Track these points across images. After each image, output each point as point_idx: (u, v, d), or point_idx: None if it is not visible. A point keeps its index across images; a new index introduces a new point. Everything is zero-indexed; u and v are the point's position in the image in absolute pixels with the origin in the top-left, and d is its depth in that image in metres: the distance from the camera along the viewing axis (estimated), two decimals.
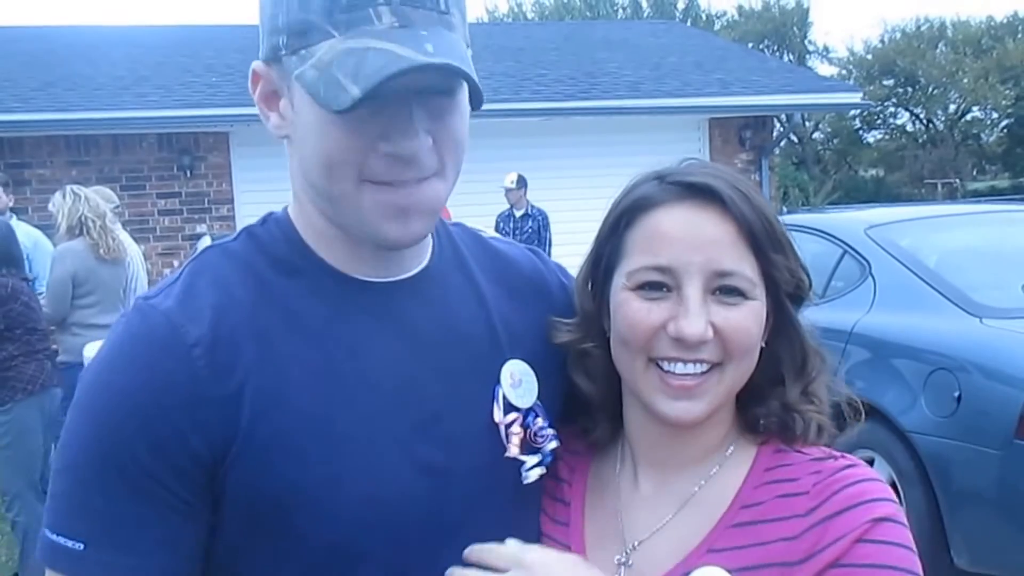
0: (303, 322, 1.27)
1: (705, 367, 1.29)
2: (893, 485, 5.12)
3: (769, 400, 1.37)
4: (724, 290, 1.28)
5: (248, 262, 1.31)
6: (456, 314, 1.38)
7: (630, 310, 1.31)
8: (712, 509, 1.33)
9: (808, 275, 1.39)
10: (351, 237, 1.30)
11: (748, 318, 1.29)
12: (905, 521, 1.26)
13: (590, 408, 1.45)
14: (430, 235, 1.40)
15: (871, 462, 5.25)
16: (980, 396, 4.73)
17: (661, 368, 1.30)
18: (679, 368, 1.29)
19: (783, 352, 1.37)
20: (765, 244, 1.30)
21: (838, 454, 1.34)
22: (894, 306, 5.62)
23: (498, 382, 1.37)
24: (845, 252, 6.19)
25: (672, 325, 1.27)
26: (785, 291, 1.34)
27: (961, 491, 4.79)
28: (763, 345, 1.35)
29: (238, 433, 1.20)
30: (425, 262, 1.39)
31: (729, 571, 1.26)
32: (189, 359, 1.19)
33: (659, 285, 1.29)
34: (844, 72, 42.05)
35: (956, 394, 4.79)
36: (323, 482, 1.22)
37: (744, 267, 1.29)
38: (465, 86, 1.23)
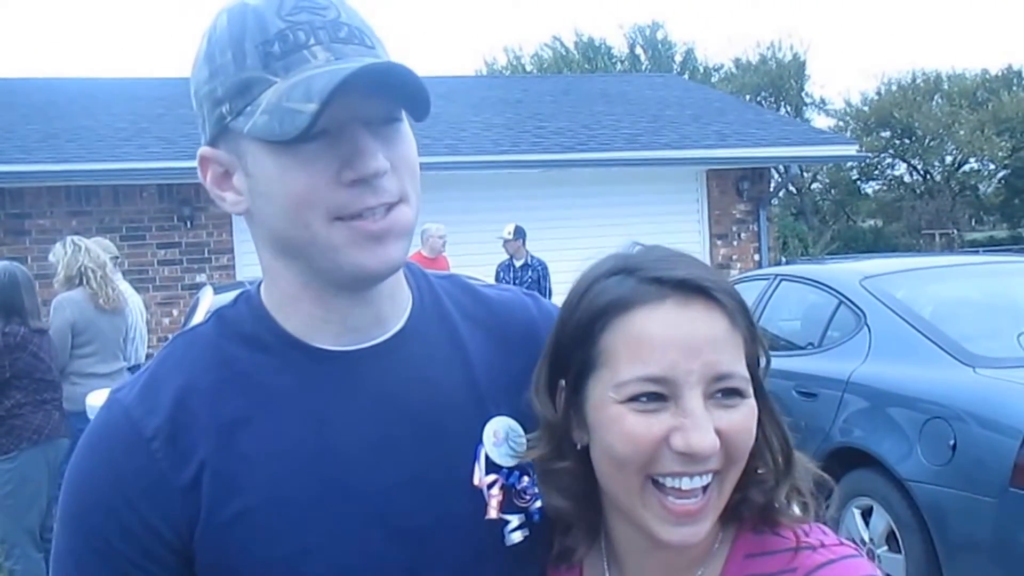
0: (269, 397, 1.27)
1: (709, 478, 1.19)
2: (892, 534, 5.15)
3: (751, 486, 1.27)
4: (724, 392, 1.19)
5: (216, 344, 1.32)
6: (435, 374, 1.35)
7: (627, 425, 1.18)
8: None
9: (766, 350, 1.29)
10: (327, 293, 1.29)
11: (749, 419, 1.20)
12: None
13: (565, 525, 1.35)
14: (409, 293, 1.40)
15: (870, 510, 5.28)
16: (975, 445, 4.74)
17: (660, 486, 1.19)
18: (685, 484, 1.18)
19: (765, 441, 1.27)
20: (748, 324, 1.24)
21: (816, 542, 1.24)
22: (889, 356, 5.65)
23: (480, 441, 1.34)
24: (841, 303, 6.23)
25: (679, 439, 1.16)
26: (759, 371, 1.27)
27: (958, 539, 4.79)
28: None
29: (199, 517, 1.22)
30: (402, 323, 1.36)
31: None
32: (148, 452, 1.23)
33: (655, 396, 1.18)
34: (841, 124, 42.27)
35: (951, 443, 4.80)
36: (291, 557, 1.23)
37: (739, 365, 1.20)
38: (404, 115, 1.26)
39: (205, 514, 1.22)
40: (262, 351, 1.30)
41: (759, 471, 1.26)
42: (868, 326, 5.87)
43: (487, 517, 1.32)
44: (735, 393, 1.19)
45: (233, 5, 1.23)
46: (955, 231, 36.34)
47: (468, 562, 1.30)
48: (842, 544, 1.25)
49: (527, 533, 1.35)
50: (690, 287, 1.19)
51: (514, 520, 1.34)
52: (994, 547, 4.61)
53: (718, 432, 1.16)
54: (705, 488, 1.19)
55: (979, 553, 4.71)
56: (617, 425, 1.19)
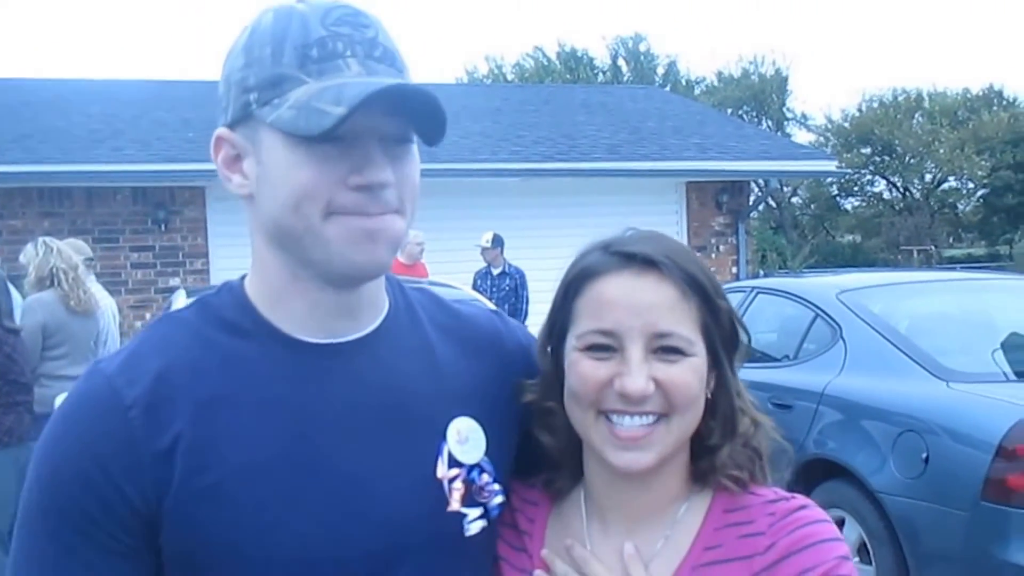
0: (248, 380, 1.33)
1: (652, 419, 1.39)
2: (863, 545, 5.16)
3: (716, 450, 1.46)
4: (664, 349, 1.39)
5: (198, 328, 1.38)
6: (405, 372, 1.43)
7: (580, 368, 1.41)
8: (678, 551, 1.44)
9: (744, 326, 1.50)
10: (313, 286, 1.35)
11: (687, 373, 1.40)
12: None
13: (552, 462, 1.53)
14: (386, 296, 1.47)
15: (841, 522, 5.26)
16: (947, 458, 4.77)
17: (610, 420, 1.40)
18: (627, 421, 1.39)
19: (721, 406, 1.47)
20: (703, 297, 1.42)
21: (788, 495, 1.45)
22: (864, 369, 5.68)
23: (444, 438, 1.42)
24: (817, 316, 6.25)
25: (617, 381, 1.38)
26: (723, 343, 1.45)
27: (929, 551, 4.81)
28: (709, 396, 1.46)
29: (171, 488, 1.27)
30: (377, 324, 1.44)
31: None
32: (125, 418, 1.28)
33: (605, 347, 1.40)
34: (822, 139, 42.57)
35: (924, 456, 4.83)
36: (257, 531, 1.28)
37: (681, 327, 1.40)
38: (415, 139, 1.36)
39: (177, 484, 1.26)
40: (242, 338, 1.37)
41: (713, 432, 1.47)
42: (844, 339, 5.89)
43: (449, 509, 1.40)
44: (674, 351, 1.39)
45: (280, 6, 1.32)
46: (933, 248, 36.55)
47: (428, 551, 1.38)
48: (806, 498, 1.45)
49: (485, 525, 1.44)
50: (644, 260, 1.41)
51: (474, 513, 1.42)
52: (964, 560, 4.64)
53: (657, 381, 1.38)
54: (651, 425, 1.39)
55: (949, 565, 4.74)
56: (575, 367, 1.42)
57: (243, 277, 1.44)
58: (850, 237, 42.74)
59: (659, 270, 1.40)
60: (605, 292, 1.42)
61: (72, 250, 6.94)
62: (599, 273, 1.43)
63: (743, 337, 1.49)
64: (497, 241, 11.37)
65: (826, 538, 1.37)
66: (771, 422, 1.52)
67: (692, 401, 1.41)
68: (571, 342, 1.44)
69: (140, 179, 12.80)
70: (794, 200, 42.98)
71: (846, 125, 42.57)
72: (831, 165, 17.84)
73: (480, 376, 1.50)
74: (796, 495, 1.45)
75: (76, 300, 6.52)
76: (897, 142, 39.26)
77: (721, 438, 1.46)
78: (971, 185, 41.06)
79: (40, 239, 6.80)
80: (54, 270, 6.53)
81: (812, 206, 44.07)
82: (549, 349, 1.51)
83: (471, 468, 1.43)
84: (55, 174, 12.48)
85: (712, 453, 1.46)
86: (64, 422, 1.31)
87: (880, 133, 39.21)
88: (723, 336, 1.45)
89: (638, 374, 1.37)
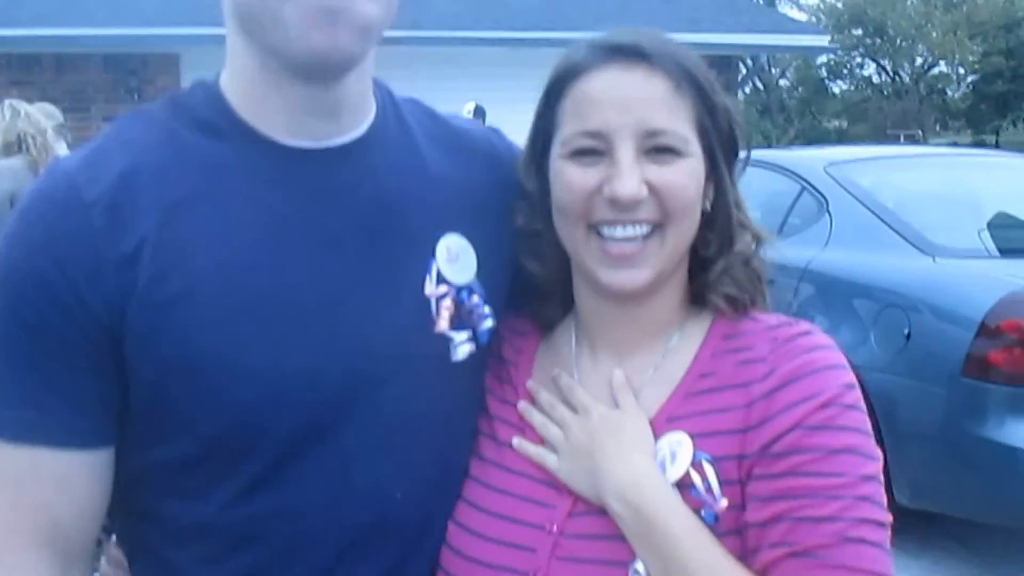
0: (218, 182, 1.25)
1: (645, 229, 1.29)
2: None
3: (712, 262, 1.38)
4: (657, 149, 1.28)
5: (167, 125, 1.28)
6: (393, 183, 1.35)
7: (566, 176, 1.31)
8: (671, 379, 1.36)
9: (742, 131, 1.39)
10: (284, 79, 1.25)
11: (683, 175, 1.29)
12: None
13: (540, 292, 1.46)
14: (373, 101, 1.38)
15: None
16: (929, 334, 4.74)
17: (601, 235, 1.31)
18: (619, 232, 1.29)
19: (719, 218, 1.38)
20: (698, 92, 1.31)
21: (791, 320, 1.36)
22: (850, 243, 5.60)
23: (433, 255, 1.34)
24: (804, 189, 6.14)
25: (607, 187, 1.28)
26: (721, 146, 1.35)
27: (906, 428, 4.80)
28: (708, 208, 1.36)
29: (134, 294, 1.18)
30: (364, 127, 1.35)
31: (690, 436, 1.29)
32: (86, 218, 1.18)
33: (592, 151, 1.30)
34: (814, 19, 41.99)
35: (906, 331, 4.80)
36: (223, 346, 1.20)
37: (676, 124, 1.29)
38: None
39: (141, 292, 1.19)
40: (215, 136, 1.28)
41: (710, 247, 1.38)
42: (830, 213, 5.81)
43: (436, 330, 1.33)
44: (669, 150, 1.28)
45: None
46: (920, 133, 36.41)
47: (413, 373, 1.31)
48: (810, 324, 1.37)
49: (473, 351, 1.37)
50: (633, 53, 1.30)
51: (461, 336, 1.36)
52: (942, 435, 4.66)
53: (650, 185, 1.27)
54: (645, 238, 1.29)
55: (925, 442, 4.76)
56: (560, 177, 1.33)
57: (218, 75, 1.34)
58: (836, 122, 42.51)
59: (649, 62, 1.29)
60: (590, 90, 1.31)
61: (42, 114, 6.72)
62: (583, 70, 1.32)
63: (742, 142, 1.39)
64: (479, 112, 11.23)
65: (831, 365, 1.28)
66: (773, 237, 1.42)
67: (688, 207, 1.31)
68: (556, 151, 1.34)
69: (112, 44, 12.53)
70: (782, 83, 42.66)
71: (838, 5, 42.00)
72: (823, 40, 17.75)
73: (473, 193, 1.42)
74: (800, 321, 1.36)
75: (44, 166, 6.33)
76: (889, 23, 38.75)
77: (718, 251, 1.38)
78: (961, 71, 40.74)
79: (7, 102, 6.56)
80: (22, 135, 6.30)
81: (799, 89, 43.74)
82: (534, 166, 1.41)
83: (460, 288, 1.36)
84: (23, 39, 12.20)
85: (708, 267, 1.38)
86: (20, 221, 1.21)
87: (873, 14, 38.68)
88: (721, 138, 1.34)
89: (629, 176, 1.26)
